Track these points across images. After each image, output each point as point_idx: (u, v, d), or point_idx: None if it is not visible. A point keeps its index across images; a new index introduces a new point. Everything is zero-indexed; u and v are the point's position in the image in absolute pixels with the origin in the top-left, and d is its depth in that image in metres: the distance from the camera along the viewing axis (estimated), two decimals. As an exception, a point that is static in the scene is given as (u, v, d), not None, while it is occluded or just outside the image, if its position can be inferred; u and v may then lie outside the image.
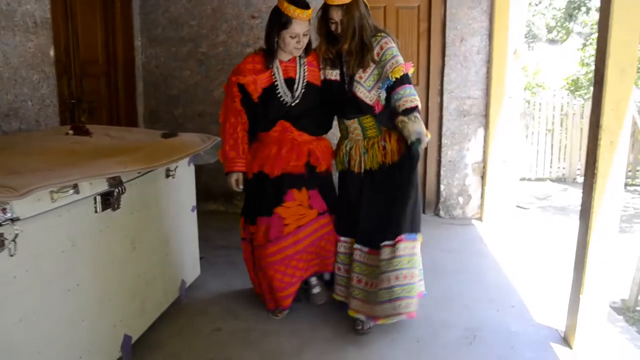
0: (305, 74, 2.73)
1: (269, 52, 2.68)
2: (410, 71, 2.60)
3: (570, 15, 14.22)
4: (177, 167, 2.84)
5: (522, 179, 7.33)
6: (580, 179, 7.64)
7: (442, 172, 4.76)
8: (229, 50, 4.78)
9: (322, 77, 2.76)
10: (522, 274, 3.50)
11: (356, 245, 2.75)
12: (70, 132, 2.78)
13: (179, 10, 4.80)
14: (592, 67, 6.20)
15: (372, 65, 2.60)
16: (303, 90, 2.71)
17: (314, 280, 2.94)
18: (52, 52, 3.35)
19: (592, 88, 2.47)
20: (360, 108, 2.64)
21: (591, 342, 2.52)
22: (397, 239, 2.58)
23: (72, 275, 1.98)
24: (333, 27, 2.61)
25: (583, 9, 13.55)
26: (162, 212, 2.73)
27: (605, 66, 2.29)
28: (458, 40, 4.54)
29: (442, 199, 4.79)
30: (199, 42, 4.82)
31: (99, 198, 2.12)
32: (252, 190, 2.82)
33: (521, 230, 4.62)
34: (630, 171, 7.80)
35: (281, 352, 2.54)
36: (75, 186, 1.93)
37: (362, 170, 2.72)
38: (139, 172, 2.39)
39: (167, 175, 2.77)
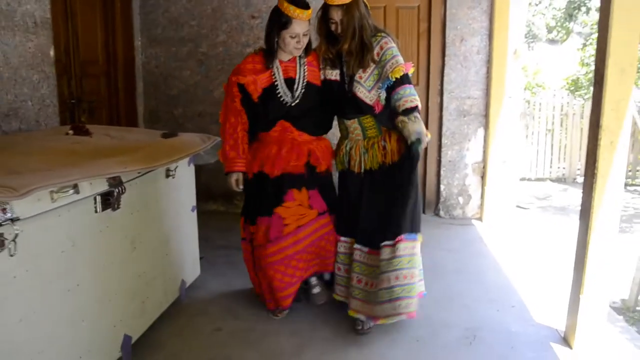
0: (305, 74, 2.73)
1: (269, 52, 2.68)
2: (410, 71, 2.60)
3: (570, 15, 14.22)
4: (177, 167, 2.84)
5: (522, 179, 7.33)
6: (580, 179, 7.65)
7: (442, 172, 4.76)
8: (229, 50, 4.78)
9: (322, 77, 2.76)
10: (522, 274, 3.50)
11: (356, 245, 2.75)
12: (70, 132, 2.78)
13: (179, 10, 4.80)
14: (592, 67, 6.19)
15: (372, 65, 2.60)
16: (303, 90, 2.72)
17: (314, 280, 2.93)
18: (52, 52, 3.35)
19: (592, 88, 2.47)
20: (360, 108, 2.65)
21: (591, 342, 2.52)
22: (397, 239, 2.58)
23: (72, 275, 1.98)
24: (333, 27, 2.61)
25: (583, 9, 13.55)
26: (162, 212, 2.73)
27: (605, 66, 2.29)
28: (458, 40, 4.55)
29: (442, 199, 4.79)
30: (199, 42, 4.82)
31: (99, 198, 2.12)
32: (252, 190, 2.82)
33: (521, 230, 4.62)
34: (630, 171, 7.80)
35: (281, 352, 2.54)
36: (75, 186, 1.93)
37: (362, 170, 2.72)
38: (139, 172, 2.39)
39: (167, 175, 2.77)
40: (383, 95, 2.61)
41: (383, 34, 2.61)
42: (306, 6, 2.58)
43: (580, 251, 2.53)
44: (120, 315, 2.31)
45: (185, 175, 3.01)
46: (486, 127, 4.62)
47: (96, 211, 2.12)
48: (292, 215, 2.71)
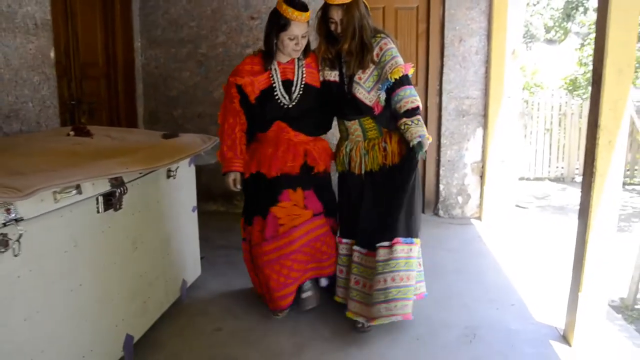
0: (304, 76, 2.74)
1: (268, 54, 2.70)
2: (410, 72, 2.61)
3: (568, 16, 14.24)
4: (177, 167, 2.85)
5: (521, 179, 7.35)
6: (579, 179, 7.67)
7: (441, 172, 4.77)
8: (229, 52, 4.79)
9: (321, 78, 2.76)
10: (521, 272, 3.51)
11: (355, 247, 2.76)
12: (71, 133, 2.79)
13: (179, 11, 4.81)
14: (590, 67, 6.22)
15: (372, 66, 2.61)
16: (301, 93, 2.73)
17: (307, 284, 2.86)
18: (52, 54, 3.36)
19: (590, 88, 2.49)
20: (359, 109, 2.65)
21: (590, 340, 2.54)
22: (393, 241, 2.58)
23: (74, 275, 1.99)
24: (333, 26, 2.62)
25: (581, 9, 13.57)
26: (163, 213, 2.74)
27: (603, 66, 2.31)
28: (457, 40, 4.56)
29: (441, 199, 4.81)
30: (199, 43, 4.83)
31: (101, 198, 2.13)
32: (250, 190, 2.83)
33: (520, 229, 4.63)
34: (628, 170, 7.82)
35: (282, 352, 2.55)
36: (77, 187, 1.94)
37: (363, 172, 2.72)
38: (140, 173, 2.41)
39: (168, 176, 2.79)
40: (383, 96, 2.61)
41: (382, 35, 2.62)
42: (305, 8, 2.59)
43: (579, 250, 2.55)
44: (122, 315, 2.33)
45: (186, 176, 3.02)
46: (485, 127, 4.64)
47: (98, 211, 2.13)
48: (286, 215, 2.70)
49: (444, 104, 4.66)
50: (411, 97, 2.55)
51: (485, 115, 4.63)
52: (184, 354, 2.53)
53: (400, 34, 4.62)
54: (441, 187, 4.79)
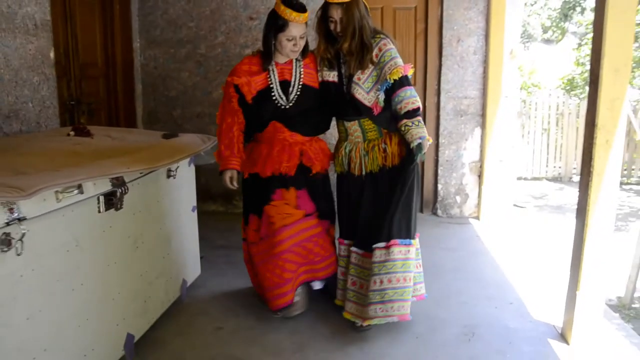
0: (301, 76, 2.75)
1: (266, 54, 2.71)
2: (410, 72, 2.61)
3: (565, 15, 14.30)
4: (177, 167, 2.86)
5: (519, 178, 7.37)
6: (576, 178, 7.70)
7: (439, 172, 4.79)
8: (228, 52, 4.80)
9: (320, 78, 2.77)
10: (519, 271, 3.53)
11: (352, 248, 2.77)
12: (72, 133, 2.80)
13: (178, 11, 4.82)
14: (588, 67, 6.23)
15: (371, 67, 2.61)
16: (298, 93, 2.73)
17: (298, 289, 2.83)
18: (52, 54, 3.37)
19: (587, 87, 2.50)
20: (358, 110, 2.66)
21: (588, 338, 2.56)
22: (390, 242, 2.59)
23: (76, 275, 2.00)
24: (332, 26, 2.62)
25: (578, 9, 13.63)
26: (163, 212, 2.75)
27: (600, 66, 2.33)
28: (455, 40, 4.58)
29: (439, 198, 4.83)
30: (198, 43, 4.84)
31: (102, 198, 2.14)
32: (248, 190, 2.85)
33: (518, 229, 4.65)
34: (625, 170, 7.85)
35: (282, 350, 2.56)
36: (79, 186, 1.96)
37: (363, 173, 2.73)
38: (141, 173, 2.42)
39: (168, 176, 2.80)
40: (382, 97, 2.62)
41: (382, 36, 2.63)
42: (303, 9, 2.60)
43: (576, 248, 2.57)
44: (123, 314, 2.34)
45: (185, 176, 3.03)
46: (483, 126, 4.66)
47: (99, 211, 2.14)
48: (278, 214, 2.71)
49: (442, 104, 4.68)
50: (411, 98, 2.56)
51: (483, 115, 4.65)
52: (185, 353, 2.54)
53: (399, 34, 4.64)
54: (439, 186, 4.81)
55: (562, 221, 5.79)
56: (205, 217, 3.71)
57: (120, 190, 2.23)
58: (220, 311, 2.96)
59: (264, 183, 2.75)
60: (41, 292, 1.81)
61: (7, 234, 1.62)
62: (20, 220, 1.66)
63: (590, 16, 12.52)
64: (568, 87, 9.71)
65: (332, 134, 2.91)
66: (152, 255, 2.64)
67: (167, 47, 4.88)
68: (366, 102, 2.63)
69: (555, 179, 8.08)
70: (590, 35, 3.14)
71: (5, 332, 1.66)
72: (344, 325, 2.75)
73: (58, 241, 1.90)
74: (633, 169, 8.01)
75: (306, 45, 2.73)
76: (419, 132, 2.51)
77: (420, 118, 2.56)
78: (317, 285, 2.97)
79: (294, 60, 2.75)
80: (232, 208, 4.94)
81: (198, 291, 3.20)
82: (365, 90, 2.63)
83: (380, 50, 2.59)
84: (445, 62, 4.62)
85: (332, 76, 2.73)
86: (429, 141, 2.53)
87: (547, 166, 8.11)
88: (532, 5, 15.30)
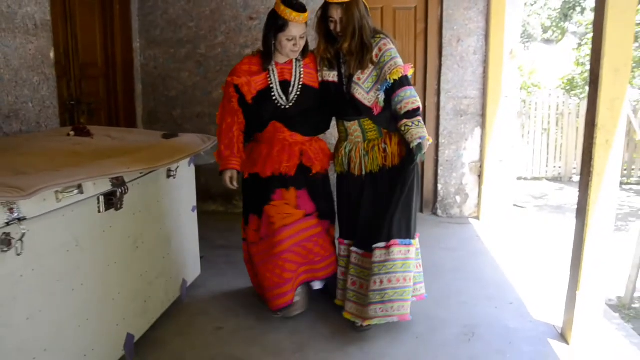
0: (301, 76, 2.74)
1: (266, 54, 2.71)
2: (410, 73, 2.61)
3: (565, 15, 14.30)
4: (177, 167, 2.86)
5: (519, 178, 7.37)
6: (576, 178, 7.70)
7: (439, 172, 4.79)
8: (228, 52, 4.80)
9: (320, 78, 2.77)
10: (519, 271, 3.54)
11: (352, 248, 2.77)
12: (72, 133, 2.81)
13: (178, 11, 4.82)
14: (588, 67, 6.23)
15: (371, 67, 2.61)
16: (298, 93, 2.73)
17: (297, 289, 2.83)
18: (52, 54, 3.37)
19: (587, 87, 2.51)
20: (358, 110, 2.66)
21: (588, 338, 2.56)
22: (390, 242, 2.59)
23: (76, 275, 2.00)
24: (332, 26, 2.62)
25: (578, 9, 13.64)
26: (163, 212, 2.75)
27: (600, 66, 2.33)
28: (455, 40, 4.58)
29: (439, 198, 4.83)
30: (198, 43, 4.84)
31: (102, 198, 2.14)
32: (248, 190, 2.85)
33: (518, 228, 4.65)
34: (625, 170, 7.85)
35: (282, 350, 2.56)
36: (79, 186, 1.96)
37: (363, 173, 2.73)
38: (141, 173, 2.42)
39: (168, 176, 2.80)
40: (382, 97, 2.62)
41: (382, 36, 2.63)
42: (303, 9, 2.60)
43: (576, 248, 2.57)
44: (123, 314, 2.34)
45: (185, 176, 3.03)
46: (483, 126, 4.66)
47: (99, 211, 2.15)
48: (278, 214, 2.71)
49: (442, 104, 4.68)
50: (412, 98, 2.56)
51: (483, 115, 4.65)
52: (185, 353, 2.54)
53: (399, 34, 4.64)
54: (439, 186, 4.81)
55: (562, 221, 5.79)
56: (205, 217, 3.71)
57: (120, 190, 2.23)
58: (220, 311, 2.96)
59: (264, 183, 2.75)
60: (41, 292, 1.81)
61: (7, 234, 1.62)
62: (20, 220, 1.66)
63: (590, 16, 12.52)
64: (568, 87, 9.72)
65: (332, 134, 2.91)
66: (152, 255, 2.64)
67: (167, 47, 4.88)
68: (366, 102, 2.63)
69: (555, 179, 8.08)
70: (590, 35, 3.15)
71: (5, 332, 1.66)
72: (344, 325, 2.75)
73: (58, 241, 1.90)
74: (633, 169, 8.01)
75: (306, 45, 2.73)
76: (419, 132, 2.51)
77: (420, 118, 2.56)
78: (317, 285, 2.96)
79: (294, 60, 2.75)
80: (232, 208, 4.94)
81: (198, 291, 3.20)
82: (365, 90, 2.63)
83: (380, 50, 2.59)
84: (445, 62, 4.62)
85: (332, 76, 2.73)
86: (429, 141, 2.53)
87: (547, 166, 8.11)
88: (532, 5, 15.31)
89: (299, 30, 2.61)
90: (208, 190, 4.78)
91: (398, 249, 2.59)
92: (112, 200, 2.20)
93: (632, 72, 8.07)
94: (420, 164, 2.68)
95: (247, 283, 3.16)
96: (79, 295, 2.02)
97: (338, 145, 2.86)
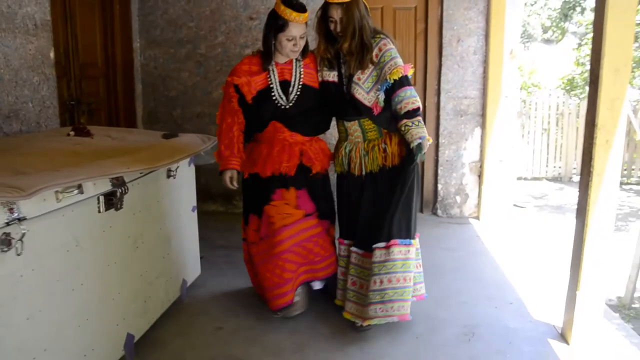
0: (301, 76, 2.74)
1: (266, 54, 2.71)
2: (410, 73, 2.61)
3: (565, 15, 14.31)
4: (178, 167, 2.86)
5: (519, 179, 7.38)
6: (576, 178, 7.70)
7: (439, 172, 4.79)
8: (228, 52, 4.80)
9: (320, 78, 2.77)
10: (519, 271, 3.54)
11: (352, 248, 2.77)
12: (72, 133, 2.81)
13: (178, 11, 4.82)
14: (588, 67, 6.24)
15: (371, 67, 2.61)
16: (298, 93, 2.73)
17: (297, 289, 2.83)
18: (52, 54, 3.37)
19: (587, 87, 2.51)
20: (358, 110, 2.65)
21: (588, 338, 2.56)
22: (390, 242, 2.59)
23: (76, 275, 2.00)
24: (332, 26, 2.62)
25: (578, 9, 13.64)
26: (163, 212, 2.75)
27: (600, 66, 2.33)
28: (455, 40, 4.58)
29: (439, 198, 4.83)
30: (198, 43, 4.84)
31: (102, 198, 2.14)
32: (248, 190, 2.85)
33: (518, 228, 4.65)
34: (625, 170, 7.85)
35: (282, 350, 2.57)
36: (79, 186, 1.96)
37: (363, 173, 2.72)
38: (141, 173, 2.42)
39: (168, 176, 2.80)
40: (382, 97, 2.62)
41: (382, 36, 2.63)
42: (303, 9, 2.60)
43: (576, 248, 2.57)
44: (123, 314, 2.34)
45: (185, 176, 3.03)
46: (483, 126, 4.66)
47: (99, 211, 2.15)
48: (278, 214, 2.71)
49: (442, 104, 4.68)
50: (412, 98, 2.56)
51: (483, 115, 4.65)
52: (185, 353, 2.54)
53: (399, 34, 4.64)
54: (439, 186, 4.81)
55: (562, 221, 5.79)
56: (205, 217, 3.71)
57: (120, 190, 2.23)
58: (220, 311, 2.97)
59: (263, 183, 2.75)
60: (41, 292, 1.81)
61: (7, 234, 1.62)
62: (20, 220, 1.67)
63: (590, 16, 12.53)
64: (568, 87, 9.72)
65: (332, 134, 2.91)
66: (152, 255, 2.64)
67: (167, 47, 4.88)
68: (366, 102, 2.63)
69: (555, 179, 8.08)
70: (590, 35, 3.15)
71: (5, 332, 1.66)
72: (344, 325, 2.75)
73: (58, 241, 1.90)
74: (633, 169, 8.01)
75: (306, 45, 2.73)
76: (419, 132, 2.51)
77: (420, 118, 2.56)
78: (317, 285, 2.96)
79: (294, 60, 2.75)
80: (232, 208, 4.94)
81: (198, 291, 3.20)
82: (365, 90, 2.63)
83: (380, 50, 2.59)
84: (445, 62, 4.62)
85: (332, 76, 2.73)
86: (429, 141, 2.53)
87: (547, 166, 8.11)
88: (532, 5, 15.31)
89: (299, 30, 2.61)
90: (208, 190, 4.78)
91: (398, 249, 2.59)
92: (112, 200, 2.20)
93: (632, 72, 8.07)
94: (420, 164, 2.68)
95: (247, 283, 3.16)
96: (79, 295, 2.02)
97: (338, 146, 2.85)
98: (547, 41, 16.79)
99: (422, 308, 2.87)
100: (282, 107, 2.72)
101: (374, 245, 2.61)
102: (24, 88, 3.12)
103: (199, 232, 3.28)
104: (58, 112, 3.46)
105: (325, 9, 2.63)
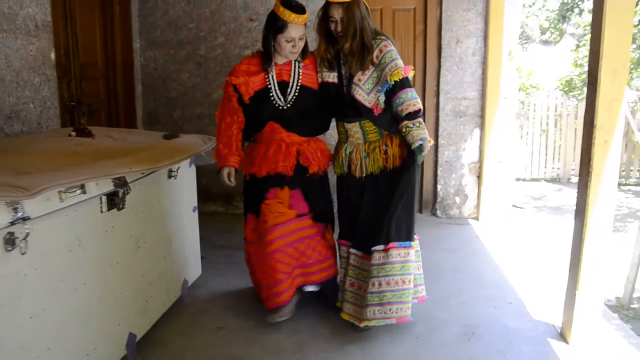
0: (300, 77, 2.75)
1: (266, 55, 2.72)
2: (410, 74, 2.61)
3: (563, 17, 14.35)
4: (179, 168, 2.87)
5: (518, 179, 7.39)
6: (575, 179, 7.72)
7: (439, 172, 4.81)
8: (227, 53, 4.82)
9: (320, 79, 2.77)
10: (518, 271, 3.55)
11: (351, 250, 2.77)
12: (73, 133, 2.82)
13: (178, 13, 4.83)
14: (586, 68, 6.25)
15: (371, 68, 2.61)
16: (296, 94, 2.74)
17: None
18: (52, 55, 3.38)
19: (585, 89, 2.53)
20: (359, 111, 2.65)
21: (587, 337, 2.57)
22: (389, 245, 2.59)
23: (79, 274, 2.01)
24: (332, 26, 2.62)
25: (576, 10, 13.67)
26: (164, 213, 2.76)
27: (598, 68, 2.35)
28: (454, 42, 4.60)
29: (439, 199, 4.84)
30: (198, 44, 4.85)
31: (104, 198, 2.16)
32: (247, 190, 2.86)
33: (517, 229, 4.67)
34: (624, 171, 7.88)
35: (282, 350, 2.57)
36: (82, 186, 1.97)
37: (364, 175, 2.73)
38: (142, 173, 2.43)
39: (170, 176, 2.81)
40: (382, 98, 2.61)
41: (383, 37, 2.63)
42: (302, 11, 2.60)
43: (575, 248, 2.58)
44: (124, 314, 2.35)
45: (186, 176, 3.04)
46: (482, 127, 4.68)
47: (102, 211, 2.16)
48: (270, 213, 2.71)
49: (441, 105, 4.70)
50: (412, 99, 2.56)
51: (482, 116, 4.67)
52: (186, 353, 2.55)
53: (398, 35, 4.65)
54: (439, 187, 4.83)
55: (560, 222, 5.81)
56: (205, 218, 3.71)
57: (122, 190, 2.24)
58: (220, 311, 2.98)
59: (259, 183, 2.76)
60: (44, 291, 1.82)
61: (12, 234, 1.64)
62: (24, 219, 1.67)
63: (588, 18, 12.55)
64: (566, 89, 9.75)
65: (331, 135, 2.92)
66: (153, 255, 2.65)
67: (167, 48, 4.90)
68: (366, 103, 2.63)
69: (554, 180, 8.11)
70: (589, 36, 3.16)
71: (9, 330, 1.67)
72: (343, 326, 2.76)
73: (61, 241, 1.91)
74: (631, 170, 8.04)
75: (306, 46, 2.74)
76: (420, 133, 2.52)
77: (421, 119, 2.56)
78: (310, 288, 2.94)
79: (294, 61, 2.76)
80: (232, 209, 4.95)
81: (199, 291, 3.21)
82: (366, 91, 2.63)
83: (380, 51, 2.59)
84: (444, 63, 4.64)
85: (332, 77, 2.73)
86: (430, 142, 2.54)
87: (545, 167, 8.14)
88: (530, 6, 15.36)
89: (298, 31, 2.62)
90: (208, 190, 4.79)
91: (397, 252, 2.60)
92: (114, 201, 2.21)
93: (630, 73, 8.10)
94: (419, 165, 2.69)
95: (247, 283, 3.17)
96: (81, 294, 2.03)
97: (338, 147, 2.85)
98: (546, 42, 16.83)
99: (422, 308, 2.88)
100: (280, 107, 2.73)
101: (373, 248, 2.62)
102: (25, 89, 3.13)
103: (199, 232, 3.29)
104: (59, 112, 3.47)
105: (326, 8, 2.64)
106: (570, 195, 7.11)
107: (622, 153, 7.38)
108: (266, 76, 2.71)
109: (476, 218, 4.79)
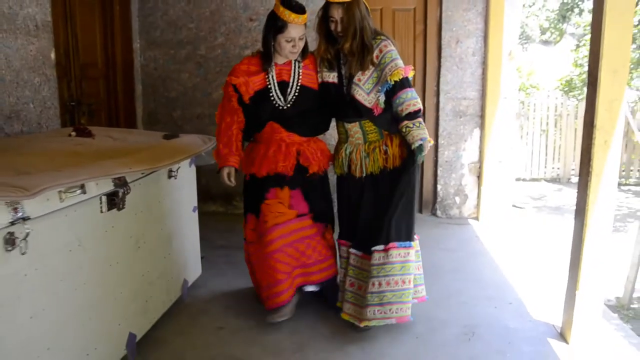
0: (300, 77, 2.75)
1: (266, 55, 2.72)
2: (410, 74, 2.61)
3: (563, 17, 14.35)
4: (179, 168, 2.87)
5: (518, 179, 7.39)
6: (575, 179, 7.72)
7: (439, 172, 4.81)
8: (227, 53, 4.82)
9: (320, 79, 2.77)
10: (518, 271, 3.55)
11: (351, 250, 2.77)
12: (73, 133, 2.82)
13: (178, 13, 4.83)
14: (586, 68, 6.26)
15: (371, 68, 2.61)
16: (296, 94, 2.74)
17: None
18: (52, 55, 3.38)
19: (585, 89, 2.53)
20: (359, 111, 2.65)
21: (587, 337, 2.57)
22: (388, 246, 2.59)
23: (79, 274, 2.01)
24: (332, 25, 2.62)
25: (576, 10, 13.67)
26: (164, 213, 2.76)
27: (598, 68, 2.35)
28: (454, 42, 4.60)
29: (439, 199, 4.84)
30: (198, 44, 4.85)
31: (104, 198, 2.16)
32: (247, 190, 2.86)
33: (517, 229, 4.67)
34: (624, 171, 7.88)
35: (282, 350, 2.57)
36: (82, 186, 1.97)
37: (364, 175, 2.73)
38: (142, 173, 2.43)
39: (170, 176, 2.81)
40: (382, 98, 2.61)
41: (383, 37, 2.63)
42: (302, 11, 2.60)
43: (575, 248, 2.58)
44: (124, 314, 2.35)
45: (186, 176, 3.05)
46: (482, 127, 4.68)
47: (102, 211, 2.16)
48: (270, 213, 2.72)
49: (441, 105, 4.70)
50: (412, 99, 2.56)
51: (482, 116, 4.67)
52: (186, 353, 2.55)
53: (398, 35, 4.66)
54: (439, 187, 4.83)
55: (560, 222, 5.81)
56: (205, 218, 3.71)
57: (122, 190, 2.24)
58: (220, 311, 2.98)
59: (259, 183, 2.76)
60: (45, 291, 1.82)
61: (12, 234, 1.64)
62: (24, 219, 1.68)
63: (588, 18, 12.56)
64: (566, 89, 9.75)
65: (331, 135, 2.92)
66: (153, 255, 2.65)
67: (167, 48, 4.90)
68: (366, 104, 2.63)
69: (554, 180, 8.11)
70: (589, 36, 3.16)
71: (9, 330, 1.67)
72: (343, 325, 2.76)
73: (61, 241, 1.92)
74: (631, 170, 8.04)
75: (306, 46, 2.74)
76: (420, 133, 2.52)
77: (421, 119, 2.57)
78: (310, 288, 2.94)
79: (293, 61, 2.76)
80: (232, 209, 4.95)
81: (199, 291, 3.21)
82: (366, 91, 2.63)
83: (381, 51, 2.59)
84: (444, 63, 4.64)
85: (332, 77, 2.73)
86: (430, 142, 2.54)
87: (545, 167, 8.14)
88: (530, 6, 15.36)
89: (298, 31, 2.62)
90: (208, 191, 4.79)
91: (397, 252, 2.60)
92: (114, 200, 2.21)
93: (630, 73, 8.11)
94: (419, 165, 2.69)
95: (247, 283, 3.17)
96: (81, 294, 2.03)
97: (338, 147, 2.85)
98: (546, 42, 16.83)
99: (422, 308, 2.88)
100: (280, 107, 2.73)
101: (373, 248, 2.62)
102: (25, 89, 3.13)
103: (199, 232, 3.29)
104: (59, 112, 3.47)
105: (326, 8, 2.64)
106: (570, 195, 7.11)
107: (622, 153, 7.38)
108: (266, 76, 2.71)
109: (476, 218, 4.79)
